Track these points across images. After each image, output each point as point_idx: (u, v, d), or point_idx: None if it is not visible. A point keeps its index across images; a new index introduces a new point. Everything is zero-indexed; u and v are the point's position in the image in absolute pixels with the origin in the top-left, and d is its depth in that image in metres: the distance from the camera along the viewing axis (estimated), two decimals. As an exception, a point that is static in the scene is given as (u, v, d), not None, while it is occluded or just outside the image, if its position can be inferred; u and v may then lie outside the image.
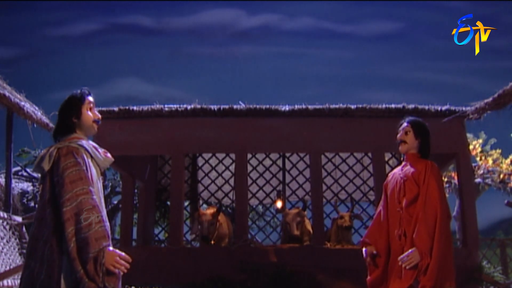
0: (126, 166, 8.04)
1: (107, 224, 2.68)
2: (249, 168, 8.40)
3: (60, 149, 2.74)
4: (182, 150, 7.46)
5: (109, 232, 2.68)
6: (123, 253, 2.66)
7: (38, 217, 2.75)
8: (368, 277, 3.67)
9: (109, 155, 2.98)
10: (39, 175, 2.87)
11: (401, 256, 3.39)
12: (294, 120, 7.35)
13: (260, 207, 11.40)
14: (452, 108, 7.22)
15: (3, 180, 8.66)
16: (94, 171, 2.83)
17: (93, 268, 2.53)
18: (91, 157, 2.83)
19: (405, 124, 3.69)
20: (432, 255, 3.29)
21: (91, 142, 2.93)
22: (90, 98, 2.95)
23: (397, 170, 3.78)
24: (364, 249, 3.71)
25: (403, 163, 3.74)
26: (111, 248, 2.63)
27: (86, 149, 2.81)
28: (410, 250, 3.36)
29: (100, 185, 2.87)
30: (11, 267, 6.74)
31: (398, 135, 3.69)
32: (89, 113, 2.92)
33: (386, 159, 8.46)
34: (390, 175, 3.82)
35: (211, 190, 9.80)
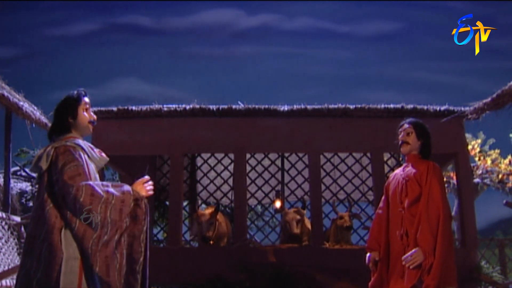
0: (124, 166, 8.03)
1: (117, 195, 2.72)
2: (248, 168, 8.39)
3: (58, 148, 2.75)
4: (181, 150, 7.45)
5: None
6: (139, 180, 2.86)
7: (34, 216, 2.75)
8: (371, 280, 3.68)
9: (104, 154, 2.99)
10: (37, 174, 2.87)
11: (405, 256, 3.39)
12: (293, 120, 7.34)
13: (259, 207, 11.39)
14: (451, 108, 7.21)
15: (2, 180, 8.64)
16: (92, 167, 2.83)
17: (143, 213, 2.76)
18: (88, 156, 2.84)
19: (406, 125, 3.69)
20: (435, 255, 3.30)
21: (86, 142, 2.94)
22: (86, 99, 2.97)
23: (398, 171, 3.79)
24: (368, 254, 3.71)
25: (404, 164, 3.74)
26: (130, 188, 2.76)
27: (82, 148, 2.82)
28: (413, 250, 3.36)
29: (98, 180, 2.87)
30: (10, 267, 6.73)
31: (400, 136, 3.69)
32: (85, 113, 2.94)
33: (385, 159, 8.45)
34: (391, 176, 3.83)
35: (210, 190, 9.79)
